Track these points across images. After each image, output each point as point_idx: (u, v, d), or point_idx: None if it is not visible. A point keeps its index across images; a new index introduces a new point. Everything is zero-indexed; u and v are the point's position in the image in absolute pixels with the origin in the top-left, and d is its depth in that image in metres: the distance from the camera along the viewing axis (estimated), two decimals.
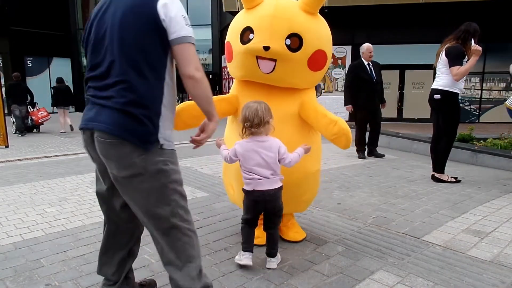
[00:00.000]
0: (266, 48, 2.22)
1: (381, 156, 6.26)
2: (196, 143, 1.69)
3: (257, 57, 2.29)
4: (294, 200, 2.55)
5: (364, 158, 6.17)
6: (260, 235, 2.50)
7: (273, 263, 2.31)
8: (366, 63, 6.02)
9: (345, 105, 6.33)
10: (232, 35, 2.44)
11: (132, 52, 1.44)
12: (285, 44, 2.24)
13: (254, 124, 2.12)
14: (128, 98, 1.43)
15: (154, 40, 1.45)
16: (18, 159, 5.85)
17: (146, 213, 1.56)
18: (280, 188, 2.25)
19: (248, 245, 2.30)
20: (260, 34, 2.26)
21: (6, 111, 8.29)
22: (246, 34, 2.32)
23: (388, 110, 11.96)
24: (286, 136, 2.33)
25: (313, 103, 2.47)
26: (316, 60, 2.34)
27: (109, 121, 1.44)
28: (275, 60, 2.27)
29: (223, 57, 16.50)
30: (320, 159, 2.67)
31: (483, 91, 11.87)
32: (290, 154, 2.21)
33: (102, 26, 1.49)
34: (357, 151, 6.26)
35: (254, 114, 2.11)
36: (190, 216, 1.65)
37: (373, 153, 6.32)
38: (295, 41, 2.24)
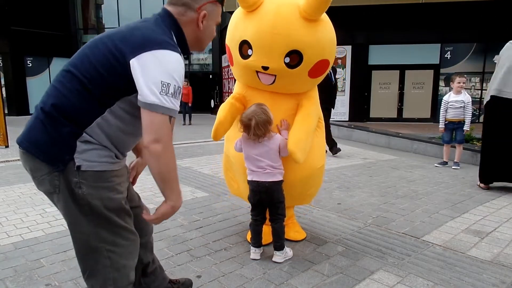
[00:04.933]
0: (265, 68, 2.23)
1: (339, 149, 6.35)
2: (145, 218, 1.46)
3: (257, 71, 2.29)
4: (300, 195, 2.61)
5: (339, 150, 6.32)
6: (263, 235, 2.52)
7: (278, 257, 2.38)
8: None
9: None
10: (231, 42, 2.39)
11: (83, 70, 1.32)
12: (284, 62, 2.20)
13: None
14: (47, 106, 1.32)
15: (109, 77, 1.30)
16: (18, 159, 5.84)
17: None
18: (279, 182, 2.33)
19: (255, 240, 2.44)
20: (258, 52, 2.22)
21: (6, 111, 8.28)
22: (244, 48, 2.28)
23: (388, 110, 12.01)
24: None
25: (305, 110, 2.42)
26: (317, 70, 2.33)
27: (24, 131, 1.37)
28: (274, 75, 2.27)
29: (223, 57, 16.51)
30: (324, 155, 2.69)
31: (483, 91, 11.87)
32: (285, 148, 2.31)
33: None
34: (332, 148, 6.31)
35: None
36: (125, 240, 1.45)
37: (335, 149, 6.40)
38: (294, 58, 2.20)
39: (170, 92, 1.28)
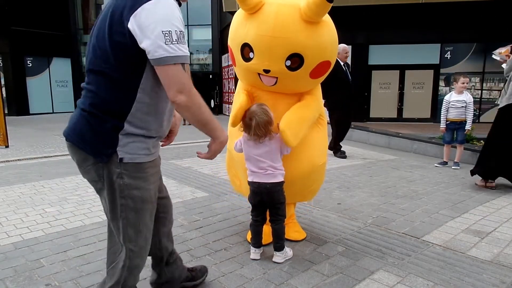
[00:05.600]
0: (266, 71, 2.25)
1: (345, 156, 6.12)
2: (200, 157, 1.62)
3: (259, 73, 2.32)
4: (301, 191, 2.61)
5: (345, 157, 6.12)
6: (264, 235, 2.52)
7: (278, 257, 2.38)
8: (342, 63, 5.96)
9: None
10: (233, 44, 2.40)
11: (99, 61, 1.37)
12: (285, 65, 2.22)
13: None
14: (86, 106, 1.40)
15: (122, 55, 1.33)
16: (18, 159, 5.84)
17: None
18: (280, 183, 2.32)
19: (255, 241, 2.43)
20: (259, 55, 2.24)
21: (6, 111, 8.28)
22: (246, 50, 2.29)
23: (388, 110, 12.01)
24: None
25: (304, 102, 2.44)
26: (318, 71, 2.34)
27: (70, 125, 1.46)
28: (276, 77, 2.29)
29: (223, 57, 16.51)
30: (326, 153, 2.70)
31: (483, 91, 11.88)
32: (286, 147, 2.33)
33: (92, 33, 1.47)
34: (335, 152, 6.20)
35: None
36: (143, 240, 1.54)
37: (338, 153, 6.21)
38: (295, 61, 2.21)
39: (174, 39, 1.28)
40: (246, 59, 2.32)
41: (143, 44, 1.27)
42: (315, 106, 2.51)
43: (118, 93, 1.36)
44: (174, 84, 1.31)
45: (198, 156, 1.59)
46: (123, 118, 1.37)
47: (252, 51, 2.25)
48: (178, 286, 1.94)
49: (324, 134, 2.65)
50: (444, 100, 5.47)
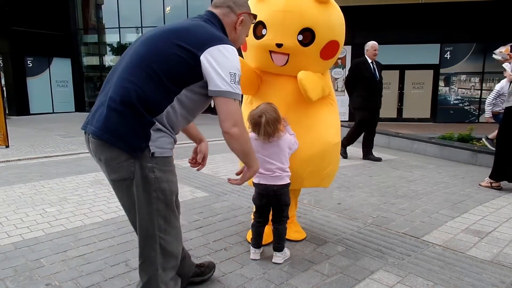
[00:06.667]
0: (279, 45, 2.31)
1: (378, 160, 5.92)
2: (232, 183, 1.82)
3: (271, 51, 2.37)
4: (317, 173, 2.55)
5: (345, 157, 6.01)
6: (263, 235, 2.51)
7: (278, 258, 2.37)
8: (369, 61, 5.76)
9: (349, 102, 6.28)
10: None
11: (153, 60, 1.46)
12: (297, 40, 2.29)
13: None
14: (118, 101, 1.43)
15: (180, 67, 1.47)
16: (18, 159, 5.84)
17: (135, 217, 1.58)
18: (287, 184, 2.31)
19: (255, 241, 2.43)
20: (272, 30, 2.32)
21: (6, 111, 8.28)
22: (258, 28, 2.37)
23: (388, 110, 12.00)
24: (305, 111, 2.46)
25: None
26: (329, 50, 2.41)
27: (99, 124, 1.45)
28: (288, 54, 2.34)
29: None
30: (340, 133, 2.64)
31: (483, 91, 11.88)
32: (295, 144, 2.35)
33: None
34: (343, 146, 5.87)
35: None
36: (173, 229, 1.62)
37: (368, 156, 5.99)
38: (307, 36, 2.30)
39: (237, 81, 1.51)
40: (259, 37, 2.38)
41: (210, 74, 1.46)
42: (325, 80, 2.53)
43: (160, 93, 1.46)
44: (232, 118, 1.51)
45: (229, 182, 1.82)
46: (153, 116, 1.46)
47: (265, 27, 2.34)
48: (187, 282, 2.01)
49: (336, 114, 2.65)
50: (496, 90, 5.28)
